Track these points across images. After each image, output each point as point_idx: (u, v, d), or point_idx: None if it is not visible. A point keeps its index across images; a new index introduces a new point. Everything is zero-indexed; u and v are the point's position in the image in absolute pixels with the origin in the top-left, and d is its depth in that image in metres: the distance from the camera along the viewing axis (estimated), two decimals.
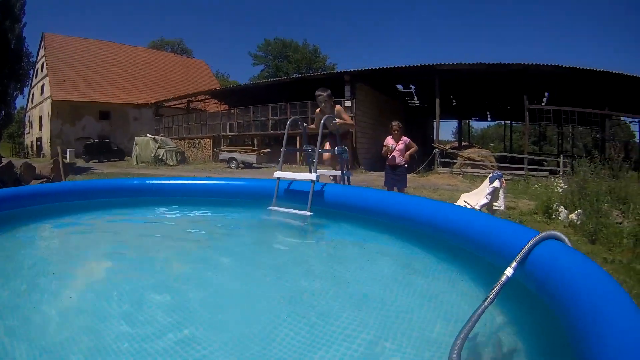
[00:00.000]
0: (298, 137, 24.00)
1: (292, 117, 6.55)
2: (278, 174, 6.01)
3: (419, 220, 4.33)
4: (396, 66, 25.77)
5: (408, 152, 9.34)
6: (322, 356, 2.18)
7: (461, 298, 2.98)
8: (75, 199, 6.40)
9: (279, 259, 4.25)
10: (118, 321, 2.58)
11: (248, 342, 2.33)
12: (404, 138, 9.27)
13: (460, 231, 3.59)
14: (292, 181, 6.13)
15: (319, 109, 7.07)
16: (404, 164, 9.32)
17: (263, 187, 6.37)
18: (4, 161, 15.08)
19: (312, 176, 5.67)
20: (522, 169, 22.44)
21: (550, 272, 2.31)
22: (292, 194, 6.00)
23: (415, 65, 25.33)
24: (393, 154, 9.21)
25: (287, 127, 6.36)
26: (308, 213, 5.40)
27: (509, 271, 2.35)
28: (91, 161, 34.56)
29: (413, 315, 2.64)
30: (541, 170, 22.91)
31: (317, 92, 6.89)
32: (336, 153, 6.72)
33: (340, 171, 6.81)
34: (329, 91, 6.84)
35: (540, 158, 27.19)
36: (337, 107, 7.05)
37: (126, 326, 2.52)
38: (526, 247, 2.53)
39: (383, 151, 9.32)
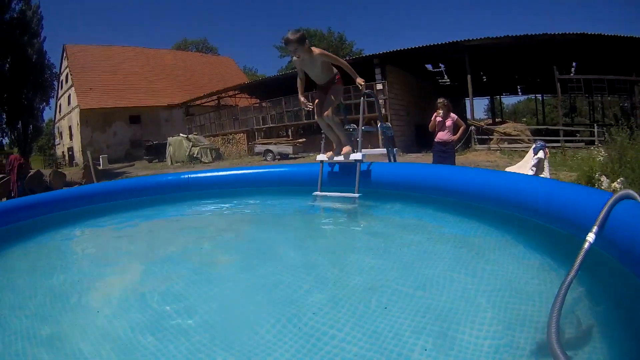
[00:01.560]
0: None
1: None
2: (321, 157, 5.76)
3: (481, 193, 4.09)
4: (424, 45, 25.23)
5: (459, 133, 9.24)
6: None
7: (531, 272, 2.76)
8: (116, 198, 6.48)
9: (332, 243, 4.08)
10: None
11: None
12: (452, 115, 9.05)
13: (527, 200, 3.41)
14: (336, 164, 5.85)
15: (295, 58, 5.57)
16: (452, 141, 9.01)
17: (307, 173, 6.11)
18: (32, 171, 15.21)
19: (358, 156, 5.43)
20: (557, 142, 21.87)
21: (636, 235, 2.10)
22: (338, 177, 5.75)
23: (443, 42, 24.80)
24: (444, 128, 8.92)
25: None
26: (356, 195, 5.18)
27: (590, 237, 2.17)
28: (154, 161, 34.93)
29: (487, 295, 2.43)
30: (577, 141, 22.28)
31: (285, 38, 5.34)
32: (380, 129, 6.44)
33: (386, 149, 6.53)
34: (300, 33, 5.33)
35: (575, 129, 26.55)
36: (316, 50, 5.47)
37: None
38: (604, 209, 2.32)
39: (430, 125, 9.04)
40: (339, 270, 3.13)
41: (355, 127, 6.03)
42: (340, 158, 5.69)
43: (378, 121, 6.69)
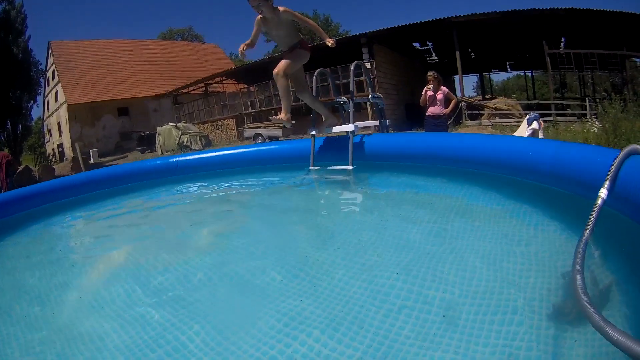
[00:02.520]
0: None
1: (319, 69, 6.10)
2: (312, 130, 5.62)
3: (479, 159, 4.00)
4: (412, 23, 25.05)
5: (451, 106, 9.14)
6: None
7: (541, 235, 2.65)
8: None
9: (331, 215, 3.93)
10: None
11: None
12: (443, 88, 8.99)
13: (529, 163, 3.33)
14: (328, 138, 5.73)
15: (259, 16, 5.15)
16: (444, 115, 8.91)
17: (298, 149, 6.00)
18: (21, 167, 15.11)
19: (350, 127, 5.32)
20: (549, 116, 21.86)
21: None
22: (331, 151, 5.64)
23: (430, 20, 24.62)
24: (435, 101, 8.82)
25: (314, 78, 6.00)
26: (350, 167, 5.07)
27: (603, 192, 2.13)
28: (146, 152, 34.77)
29: (502, 264, 2.27)
30: (569, 115, 22.29)
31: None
32: (371, 101, 6.30)
33: (378, 121, 6.40)
34: None
35: (566, 103, 26.55)
36: (280, 8, 5.07)
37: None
38: (614, 165, 2.27)
39: (421, 99, 8.95)
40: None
41: (347, 99, 5.89)
42: (338, 129, 5.58)
43: (369, 92, 6.54)
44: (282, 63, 5.18)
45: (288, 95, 5.46)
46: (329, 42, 5.12)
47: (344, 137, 5.45)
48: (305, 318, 1.88)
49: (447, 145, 4.47)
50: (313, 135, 5.61)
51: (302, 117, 29.53)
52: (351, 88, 5.61)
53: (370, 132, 5.94)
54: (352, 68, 5.78)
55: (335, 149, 5.58)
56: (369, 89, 7.26)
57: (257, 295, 2.22)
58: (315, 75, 6.07)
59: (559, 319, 1.71)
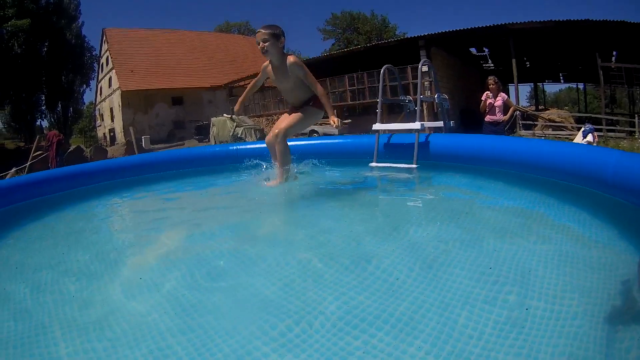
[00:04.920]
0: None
1: (386, 65, 6.07)
2: (377, 126, 5.63)
3: (543, 164, 3.97)
4: (469, 27, 24.86)
5: (509, 113, 9.14)
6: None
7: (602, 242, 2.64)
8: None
9: (392, 214, 3.90)
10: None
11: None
12: (502, 94, 8.96)
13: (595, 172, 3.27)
14: (392, 135, 5.71)
15: (266, 61, 4.61)
16: (503, 121, 8.85)
17: (361, 145, 5.97)
18: (72, 147, 15.49)
19: (417, 125, 5.31)
20: (600, 130, 21.48)
21: None
22: (395, 149, 5.61)
23: (488, 25, 24.46)
24: (494, 108, 8.75)
25: (382, 74, 5.96)
26: (414, 166, 5.04)
27: None
28: (204, 141, 35.27)
29: (566, 268, 2.26)
30: (618, 131, 22.06)
31: (258, 32, 4.39)
32: (437, 101, 6.28)
33: (442, 121, 6.37)
34: (276, 27, 4.42)
35: (617, 119, 26.01)
36: (290, 58, 4.43)
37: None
38: None
39: (481, 105, 8.89)
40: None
41: (411, 98, 5.89)
42: (396, 127, 5.57)
43: (435, 92, 6.50)
44: (286, 122, 4.62)
45: (280, 154, 4.59)
46: (334, 121, 4.22)
47: (408, 136, 5.42)
48: (364, 312, 1.88)
49: (517, 150, 4.43)
50: (377, 131, 5.59)
51: (358, 116, 29.65)
52: (419, 87, 5.60)
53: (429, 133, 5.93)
54: (419, 66, 5.78)
55: (398, 147, 5.57)
56: (435, 86, 7.23)
57: (324, 284, 2.23)
58: (382, 71, 6.05)
59: (617, 323, 1.72)
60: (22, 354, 1.78)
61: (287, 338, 1.72)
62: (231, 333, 1.81)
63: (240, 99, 5.08)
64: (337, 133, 25.16)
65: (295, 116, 4.61)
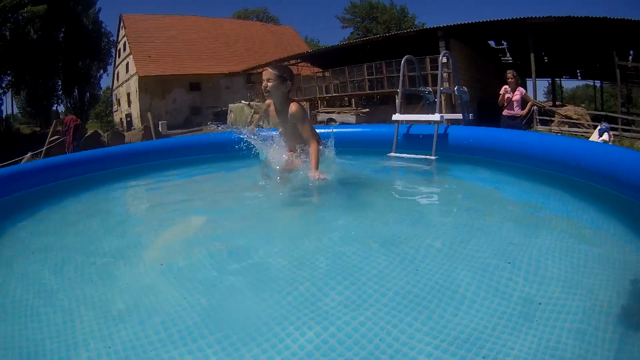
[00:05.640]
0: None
1: (407, 56, 6.11)
2: (397, 116, 5.66)
3: (566, 160, 3.99)
4: (488, 20, 24.63)
5: (527, 107, 9.14)
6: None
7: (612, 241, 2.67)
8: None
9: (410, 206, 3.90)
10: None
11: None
12: (520, 89, 8.95)
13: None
14: (411, 126, 5.74)
15: (268, 100, 4.32)
16: (521, 116, 8.87)
17: (379, 134, 6.01)
18: (90, 131, 15.57)
19: (436, 117, 5.34)
20: (616, 129, 21.35)
21: None
22: (413, 139, 5.64)
23: (507, 19, 24.19)
24: (512, 102, 8.76)
25: (402, 65, 5.99)
26: (433, 157, 5.09)
27: None
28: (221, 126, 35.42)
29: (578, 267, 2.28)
30: (634, 131, 21.72)
31: (265, 69, 4.07)
32: (456, 94, 6.31)
33: (462, 114, 6.41)
34: (286, 68, 4.26)
35: (633, 119, 25.86)
36: (293, 106, 4.07)
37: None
38: None
39: (499, 99, 8.89)
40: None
41: (431, 90, 5.93)
42: (415, 118, 5.61)
43: (454, 84, 6.52)
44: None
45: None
46: (313, 177, 3.72)
47: (427, 127, 5.46)
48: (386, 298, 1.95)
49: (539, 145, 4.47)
50: (397, 122, 5.63)
51: (376, 106, 29.52)
52: (439, 78, 5.64)
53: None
54: (440, 58, 5.81)
55: (417, 138, 5.60)
56: (455, 78, 7.24)
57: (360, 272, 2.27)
58: (403, 61, 6.07)
59: (625, 322, 1.75)
60: (49, 335, 1.83)
61: (307, 315, 1.82)
62: (252, 310, 1.92)
63: (255, 121, 5.08)
64: (354, 122, 25.31)
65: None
